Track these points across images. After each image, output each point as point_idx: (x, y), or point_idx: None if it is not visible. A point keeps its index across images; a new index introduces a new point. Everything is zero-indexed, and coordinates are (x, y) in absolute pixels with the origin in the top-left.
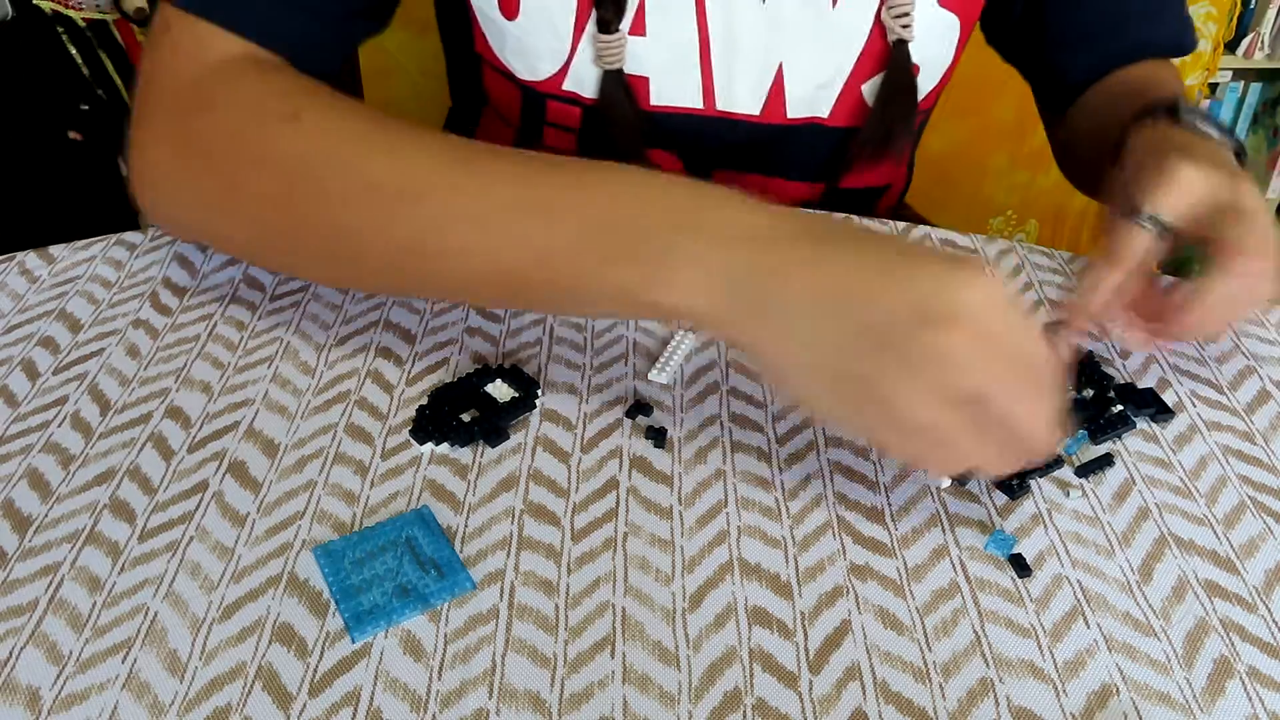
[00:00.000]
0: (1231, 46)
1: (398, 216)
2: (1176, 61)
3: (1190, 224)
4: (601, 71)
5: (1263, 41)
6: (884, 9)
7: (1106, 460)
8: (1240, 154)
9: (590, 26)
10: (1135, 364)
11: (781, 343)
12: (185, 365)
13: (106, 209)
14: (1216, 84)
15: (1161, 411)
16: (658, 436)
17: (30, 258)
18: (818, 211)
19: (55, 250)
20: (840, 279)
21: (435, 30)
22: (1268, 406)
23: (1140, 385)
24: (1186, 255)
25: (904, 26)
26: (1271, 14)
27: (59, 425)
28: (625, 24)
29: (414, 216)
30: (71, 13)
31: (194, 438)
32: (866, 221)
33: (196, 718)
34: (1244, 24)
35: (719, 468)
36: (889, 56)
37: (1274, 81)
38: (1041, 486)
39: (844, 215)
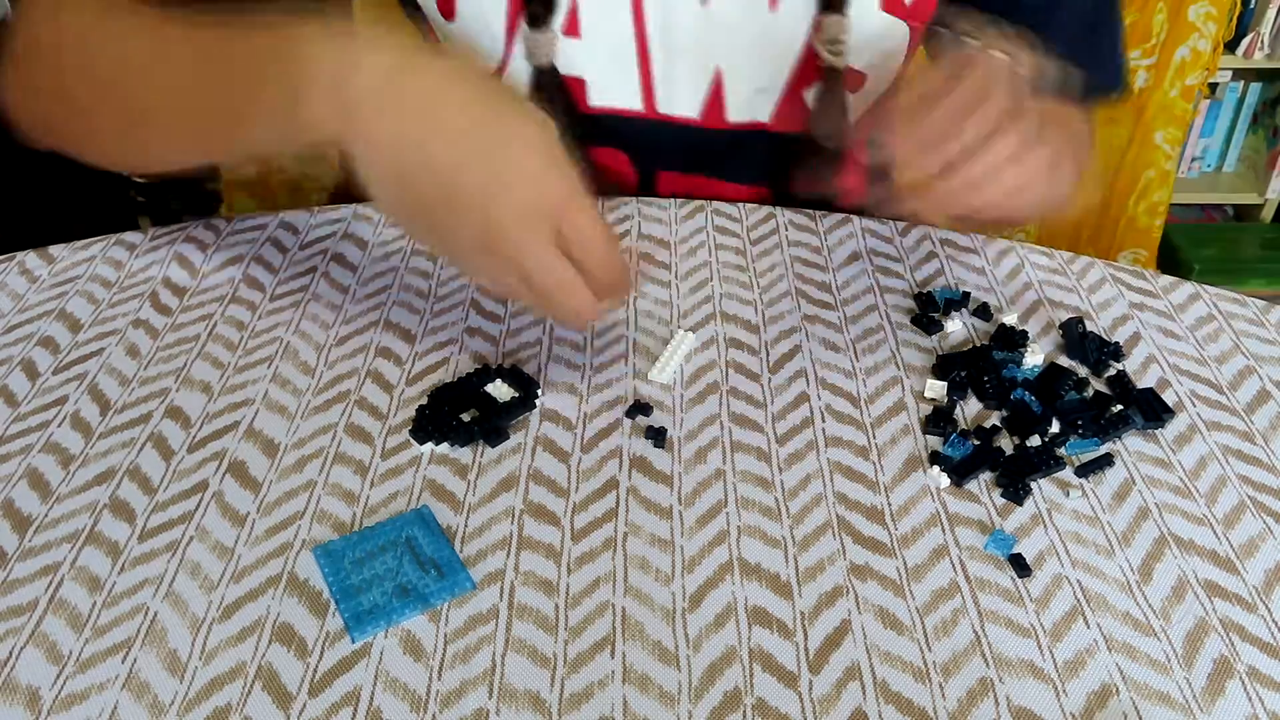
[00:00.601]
0: (1231, 46)
1: (109, 88)
2: (1177, 61)
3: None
4: (533, 69)
5: (1263, 41)
6: (815, 36)
7: (1106, 460)
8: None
9: (522, 24)
10: (1135, 364)
11: (375, 166)
12: (185, 365)
13: (106, 209)
14: (1216, 84)
15: (1163, 411)
16: (658, 436)
17: (30, 258)
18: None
19: (55, 250)
20: (434, 126)
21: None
22: (1268, 406)
23: (1140, 385)
24: None
25: (834, 54)
26: (1271, 14)
27: (59, 425)
28: (557, 23)
29: (118, 87)
30: None
31: (194, 438)
32: (868, 222)
33: (196, 718)
34: (1244, 24)
35: (719, 468)
36: (823, 75)
37: (1274, 81)
38: (1041, 486)
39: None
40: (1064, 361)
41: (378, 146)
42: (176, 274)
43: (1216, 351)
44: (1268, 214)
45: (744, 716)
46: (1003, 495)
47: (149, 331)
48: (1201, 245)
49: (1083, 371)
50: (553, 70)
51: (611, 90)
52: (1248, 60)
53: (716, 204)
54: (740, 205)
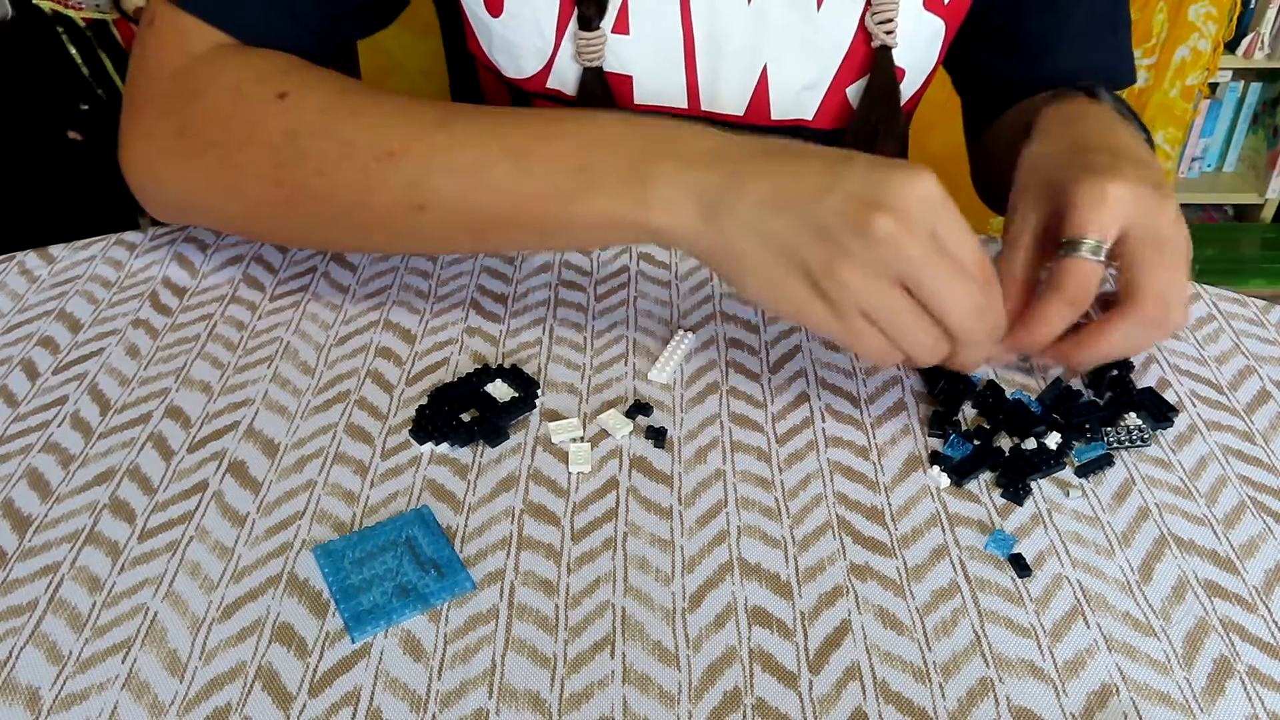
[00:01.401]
0: (1231, 46)
1: (377, 177)
2: (1177, 61)
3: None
4: (582, 69)
5: (1263, 41)
6: (868, 14)
7: (1106, 460)
8: (1150, 145)
9: (572, 24)
10: (1135, 364)
11: (740, 245)
12: (185, 365)
13: (106, 209)
14: (1216, 84)
15: (1168, 410)
16: (658, 436)
17: (30, 258)
18: (775, 136)
19: (55, 250)
20: (788, 183)
21: (436, 30)
22: (1268, 406)
23: (1140, 385)
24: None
25: (888, 33)
26: (1271, 14)
27: (59, 425)
28: (607, 22)
29: (394, 176)
30: (71, 12)
31: (194, 438)
32: None
33: (196, 718)
34: (1244, 24)
35: (719, 468)
36: (872, 61)
37: (1274, 81)
38: (1041, 486)
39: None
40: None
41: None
42: (176, 274)
43: (1216, 351)
44: (1268, 214)
45: (744, 716)
46: (1003, 495)
47: (149, 331)
48: (1201, 245)
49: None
50: (599, 71)
51: (657, 88)
52: (1248, 60)
53: None
54: None
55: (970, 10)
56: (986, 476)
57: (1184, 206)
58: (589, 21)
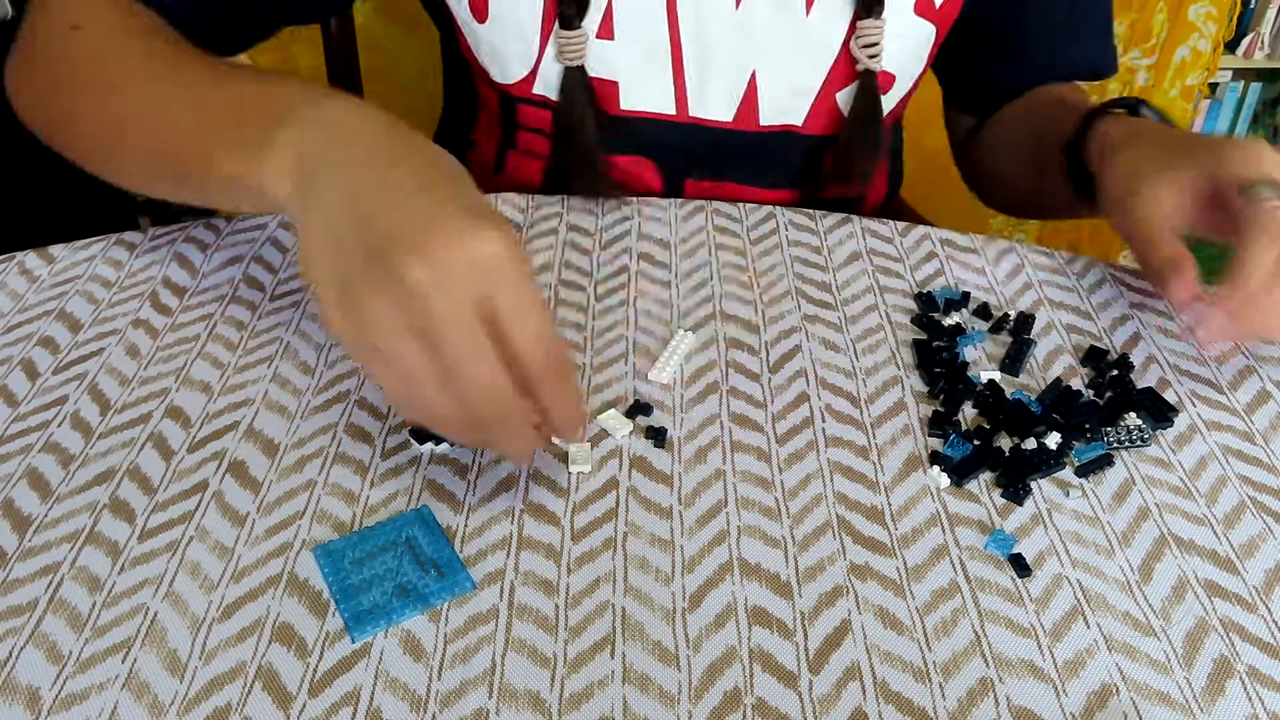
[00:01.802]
0: (1231, 46)
1: (102, 107)
2: (1177, 61)
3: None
4: (563, 69)
5: (1263, 41)
6: (853, 40)
7: (1106, 460)
8: None
9: (555, 25)
10: (1135, 364)
11: (309, 230)
12: (185, 365)
13: (106, 209)
14: (1216, 84)
15: (1168, 410)
16: (658, 436)
17: (30, 258)
18: (418, 135)
19: (55, 250)
20: (375, 186)
21: (436, 30)
22: (1268, 406)
23: (1140, 385)
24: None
25: (871, 57)
26: (1271, 14)
27: (59, 425)
28: (590, 22)
29: (110, 106)
30: None
31: (194, 438)
32: (868, 222)
33: (196, 718)
34: (1244, 24)
35: (719, 468)
36: (858, 76)
37: (1274, 81)
38: (1041, 486)
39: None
40: (1070, 367)
41: (321, 208)
42: (176, 274)
43: (1216, 351)
44: None
45: (744, 716)
46: (1003, 495)
47: (149, 331)
48: (1201, 245)
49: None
50: (581, 71)
51: (644, 92)
52: (1248, 60)
53: (716, 204)
54: (740, 205)
55: (961, 11)
56: (987, 476)
57: None
58: (570, 20)
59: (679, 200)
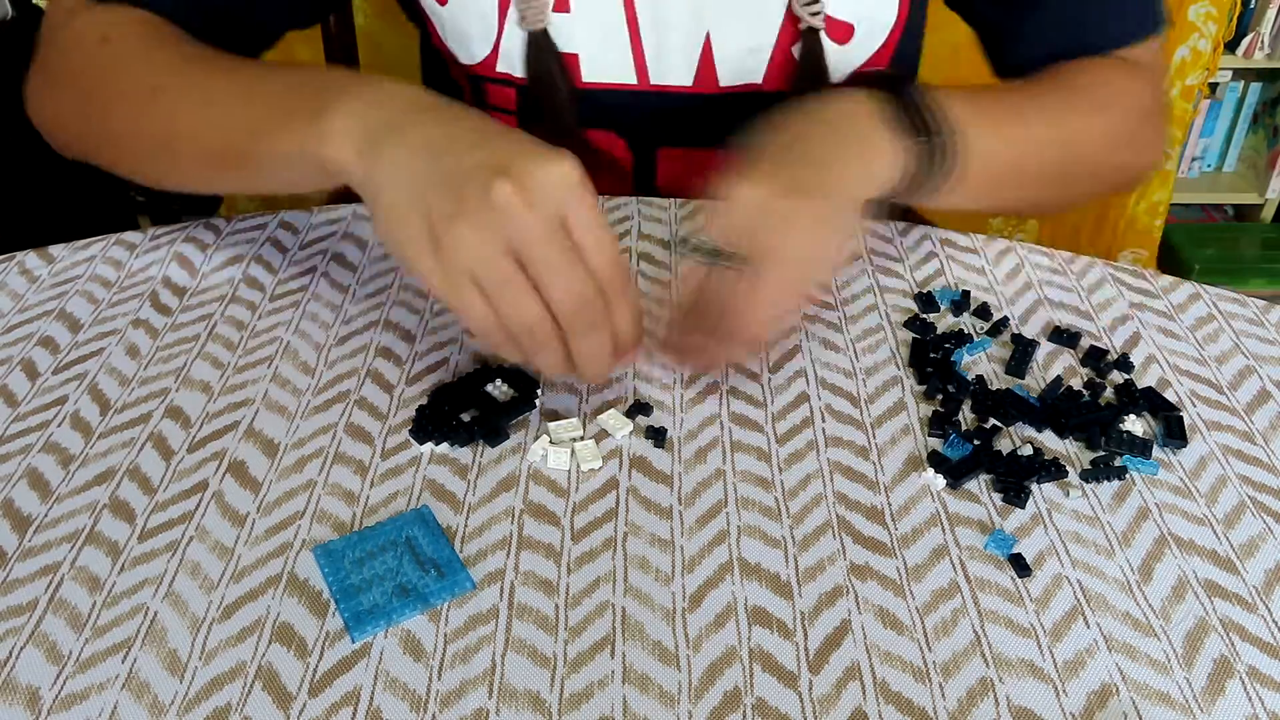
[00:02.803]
0: (1231, 46)
1: (145, 111)
2: (1177, 61)
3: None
4: (526, 37)
5: (1263, 41)
6: (794, 1)
7: (1118, 473)
8: (940, 146)
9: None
10: (1135, 364)
11: (384, 187)
12: (185, 365)
13: (106, 209)
14: (1216, 84)
15: (1171, 410)
16: (658, 436)
17: (30, 258)
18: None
19: (55, 250)
20: (440, 137)
21: None
22: (1268, 406)
23: (1140, 385)
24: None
25: (813, 14)
26: (1271, 14)
27: (59, 425)
28: None
29: (155, 109)
30: None
31: (194, 438)
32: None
33: (196, 718)
34: (1244, 24)
35: (719, 468)
36: (801, 39)
37: (1274, 81)
38: (1041, 487)
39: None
40: (1069, 368)
41: (394, 166)
42: (176, 274)
43: (1216, 351)
44: (1268, 214)
45: (744, 716)
46: (1003, 500)
47: (149, 331)
48: (1201, 245)
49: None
50: (545, 36)
51: (604, 64)
52: (1248, 60)
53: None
54: None
55: None
56: (987, 477)
57: (1184, 206)
58: None
59: (679, 200)
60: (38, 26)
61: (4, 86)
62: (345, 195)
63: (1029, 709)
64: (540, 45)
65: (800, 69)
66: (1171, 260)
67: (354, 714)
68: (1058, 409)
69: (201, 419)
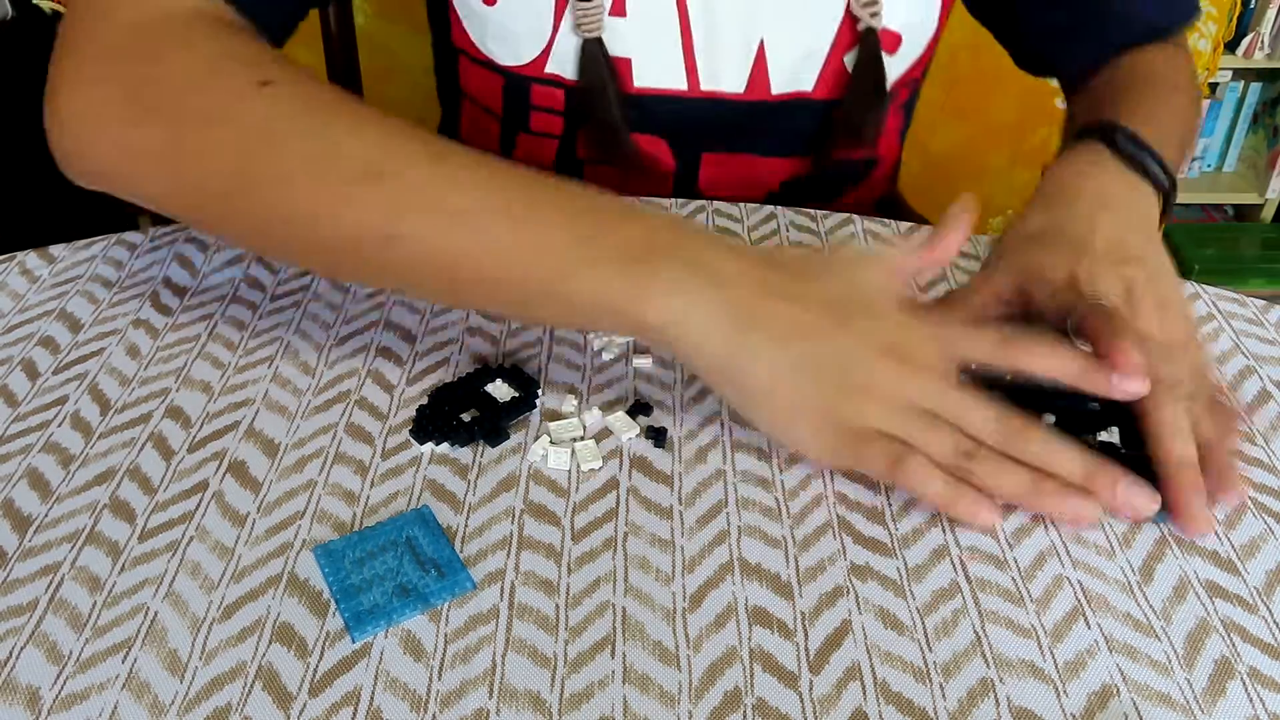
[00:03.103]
0: (1231, 46)
1: (356, 195)
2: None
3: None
4: (581, 43)
5: (1263, 41)
6: (853, 1)
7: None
8: (1170, 191)
9: (570, 3)
10: None
11: (754, 370)
12: (185, 365)
13: (106, 209)
14: (1216, 84)
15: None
16: (658, 436)
17: (30, 258)
18: (777, 246)
19: (55, 250)
20: (803, 319)
21: None
22: (1268, 406)
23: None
24: None
25: (873, 15)
26: (1271, 14)
27: (59, 425)
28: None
29: (373, 198)
30: None
31: (194, 438)
32: (870, 223)
33: (196, 718)
34: (1244, 24)
35: (719, 468)
36: (859, 41)
37: (1274, 81)
38: None
39: (803, 248)
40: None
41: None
42: (176, 274)
43: (1216, 351)
44: (1268, 214)
45: (744, 716)
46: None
47: (149, 331)
48: (1201, 245)
49: None
50: (599, 44)
51: (656, 70)
52: (1248, 60)
53: (717, 204)
54: (740, 205)
55: None
56: None
57: (1184, 207)
58: None
59: (679, 200)
60: (37, 26)
61: (4, 86)
62: None
63: (1029, 709)
64: (594, 52)
65: (858, 69)
66: (1171, 260)
67: (354, 714)
68: (1064, 415)
69: (202, 419)
